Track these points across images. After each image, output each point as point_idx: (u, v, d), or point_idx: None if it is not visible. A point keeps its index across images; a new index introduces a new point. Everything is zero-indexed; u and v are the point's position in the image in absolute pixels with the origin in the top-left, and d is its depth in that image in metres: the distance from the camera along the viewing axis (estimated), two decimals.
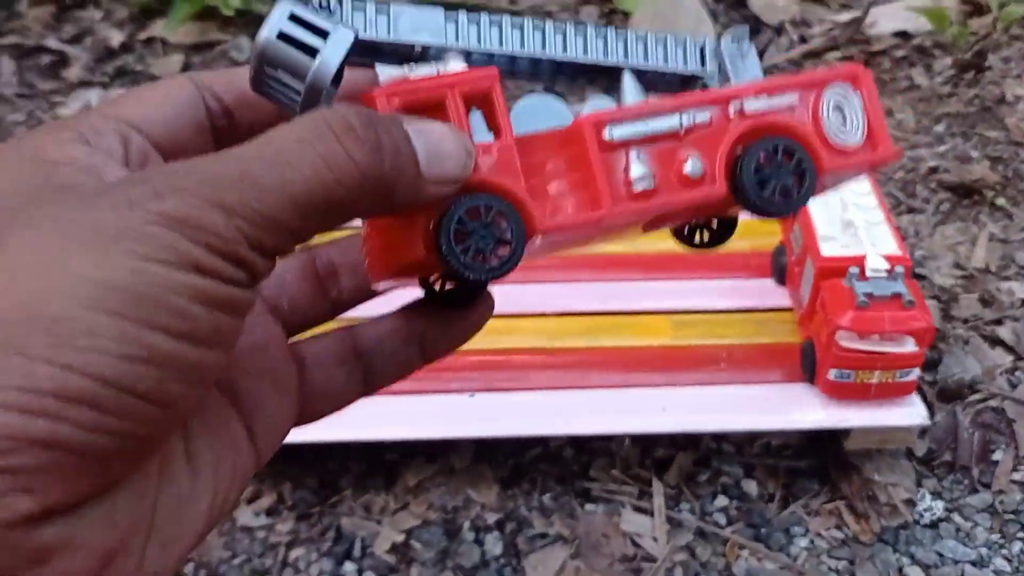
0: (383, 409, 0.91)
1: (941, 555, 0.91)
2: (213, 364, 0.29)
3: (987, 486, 0.96)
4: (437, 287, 0.40)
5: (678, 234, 0.43)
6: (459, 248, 0.33)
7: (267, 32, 0.33)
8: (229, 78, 0.37)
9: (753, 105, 0.37)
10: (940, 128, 1.34)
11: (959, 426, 0.99)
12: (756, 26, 1.52)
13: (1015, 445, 0.98)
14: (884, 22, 1.50)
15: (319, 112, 0.31)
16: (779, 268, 1.03)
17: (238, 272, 0.28)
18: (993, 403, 1.01)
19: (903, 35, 1.48)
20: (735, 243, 1.17)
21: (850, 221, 0.95)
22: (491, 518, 0.94)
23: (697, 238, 0.42)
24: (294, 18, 0.33)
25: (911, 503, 0.94)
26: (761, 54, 1.47)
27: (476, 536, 0.93)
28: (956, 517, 0.94)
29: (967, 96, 1.38)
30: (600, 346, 0.97)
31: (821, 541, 0.92)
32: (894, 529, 0.93)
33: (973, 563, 0.90)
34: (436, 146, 0.32)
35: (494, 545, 0.93)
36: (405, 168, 0.31)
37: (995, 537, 0.92)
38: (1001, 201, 1.22)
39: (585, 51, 0.38)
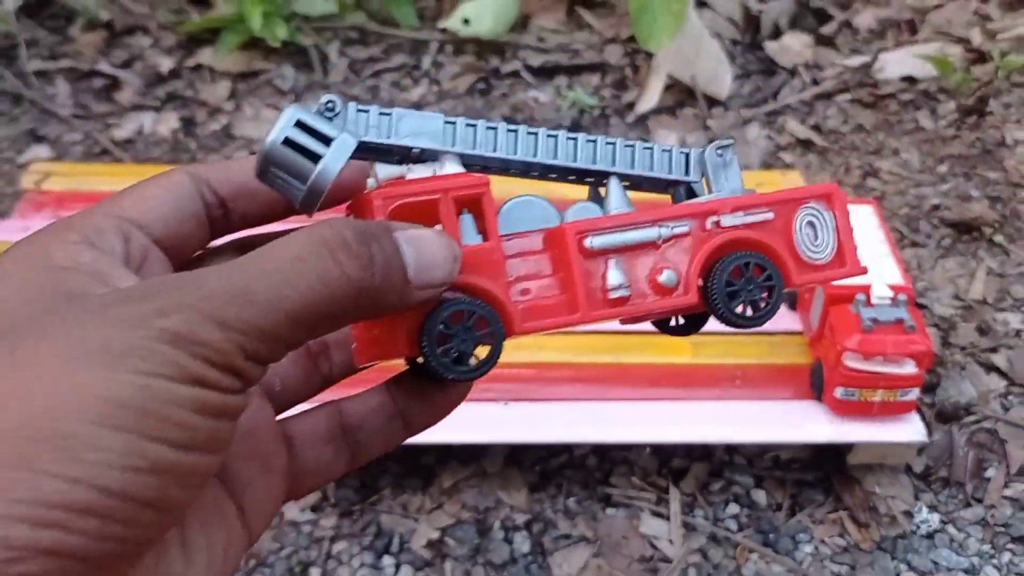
0: None
1: (936, 563, 0.98)
2: (210, 466, 0.30)
3: (980, 501, 1.03)
4: (420, 360, 0.40)
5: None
6: (440, 351, 0.34)
7: (273, 136, 0.35)
8: (224, 172, 0.39)
9: (730, 220, 0.38)
10: (943, 168, 1.42)
11: (955, 445, 1.06)
12: (771, 68, 1.61)
13: (1006, 464, 1.05)
14: (892, 67, 1.58)
15: (317, 228, 0.32)
16: (791, 294, 1.11)
17: (234, 382, 0.30)
18: (987, 424, 1.08)
19: (910, 80, 1.56)
20: None
21: None
22: (520, 519, 1.02)
23: (673, 321, 0.43)
24: (300, 124, 0.35)
25: (909, 515, 1.02)
26: (775, 95, 1.56)
27: (506, 535, 1.01)
28: (950, 529, 1.01)
29: (969, 139, 1.46)
30: (624, 362, 1.05)
31: (825, 547, 1.00)
32: (893, 538, 1.00)
33: (966, 571, 0.97)
34: (425, 255, 0.33)
35: (522, 543, 1.00)
36: (394, 279, 0.33)
37: (986, 548, 0.99)
38: (999, 238, 1.30)
39: (574, 157, 0.39)
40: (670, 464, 1.06)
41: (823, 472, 1.05)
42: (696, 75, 1.52)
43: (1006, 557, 0.98)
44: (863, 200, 1.15)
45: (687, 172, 0.40)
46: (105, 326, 0.29)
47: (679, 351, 1.06)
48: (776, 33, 1.67)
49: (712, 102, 1.53)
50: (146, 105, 1.56)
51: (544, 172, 0.39)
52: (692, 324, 0.42)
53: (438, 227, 0.35)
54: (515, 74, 1.61)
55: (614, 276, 0.37)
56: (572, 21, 1.72)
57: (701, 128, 1.49)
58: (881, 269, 1.01)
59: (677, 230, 0.38)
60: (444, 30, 1.66)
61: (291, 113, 0.35)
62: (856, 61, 1.61)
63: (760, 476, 1.06)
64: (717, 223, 0.38)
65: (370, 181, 0.37)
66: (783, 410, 1.02)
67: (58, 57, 1.66)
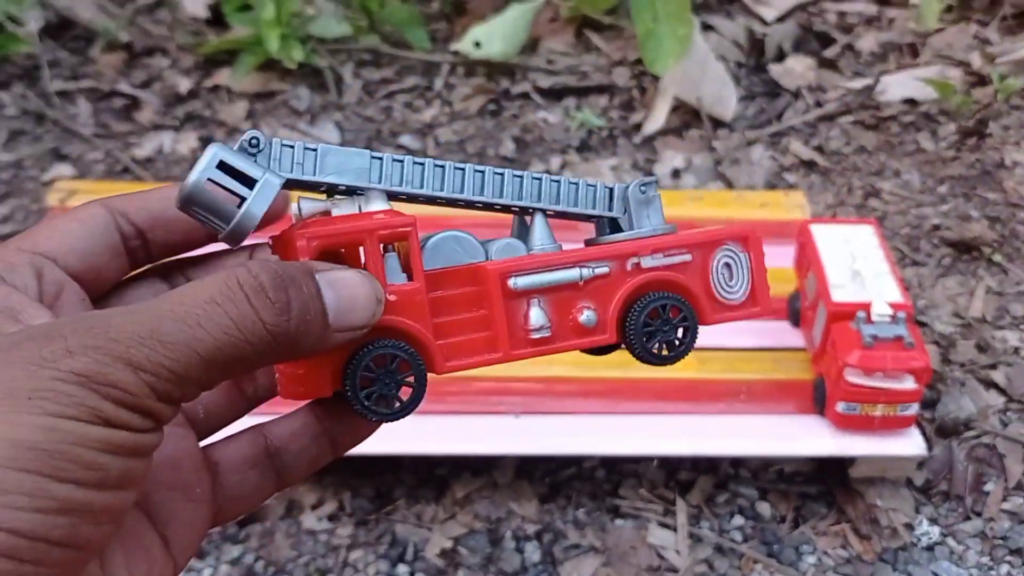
0: (437, 426, 1.02)
1: (936, 575, 1.01)
2: (124, 503, 0.30)
3: (979, 514, 1.06)
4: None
5: None
6: (364, 394, 0.35)
7: (195, 177, 0.34)
8: (142, 202, 0.39)
9: (649, 261, 0.39)
10: (943, 189, 1.45)
11: (955, 459, 1.09)
12: (775, 91, 1.64)
13: (1005, 478, 1.08)
14: (894, 90, 1.61)
15: (233, 272, 0.32)
16: (794, 312, 1.14)
17: (145, 421, 0.30)
18: (986, 440, 1.11)
19: (911, 102, 1.60)
20: None
21: (858, 271, 1.06)
22: (530, 529, 1.05)
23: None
24: (222, 165, 0.34)
25: (910, 527, 1.04)
26: (779, 116, 1.60)
27: (517, 544, 1.04)
28: (950, 541, 1.04)
29: (969, 160, 1.49)
30: (632, 377, 1.08)
31: (828, 559, 1.02)
32: (894, 550, 1.03)
33: None
34: (347, 298, 0.33)
35: (533, 553, 1.03)
36: (312, 323, 0.32)
37: (985, 560, 1.02)
38: (998, 257, 1.33)
39: (501, 193, 0.39)
40: (677, 477, 1.09)
41: (826, 485, 1.08)
42: (702, 97, 1.55)
43: (1004, 569, 1.01)
44: (864, 220, 1.18)
45: (610, 207, 0.41)
46: (11, 367, 0.29)
47: (684, 366, 1.08)
48: (780, 56, 1.71)
49: (717, 123, 1.57)
50: (165, 124, 1.60)
51: (470, 204, 0.40)
52: (606, 348, 0.42)
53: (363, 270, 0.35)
54: (525, 95, 1.65)
55: (536, 317, 0.38)
56: (581, 44, 1.76)
57: (707, 149, 1.53)
58: (881, 287, 1.04)
59: (598, 271, 0.39)
60: (456, 52, 1.70)
61: (214, 152, 0.34)
62: (858, 84, 1.64)
63: (764, 489, 1.08)
64: (637, 264, 0.39)
65: (293, 207, 0.37)
66: (786, 424, 1.05)
67: (79, 78, 1.70)
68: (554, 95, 1.65)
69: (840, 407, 1.00)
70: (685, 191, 1.44)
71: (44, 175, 1.50)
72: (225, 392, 0.41)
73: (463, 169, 0.38)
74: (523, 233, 0.41)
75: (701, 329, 0.40)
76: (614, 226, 0.42)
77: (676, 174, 1.49)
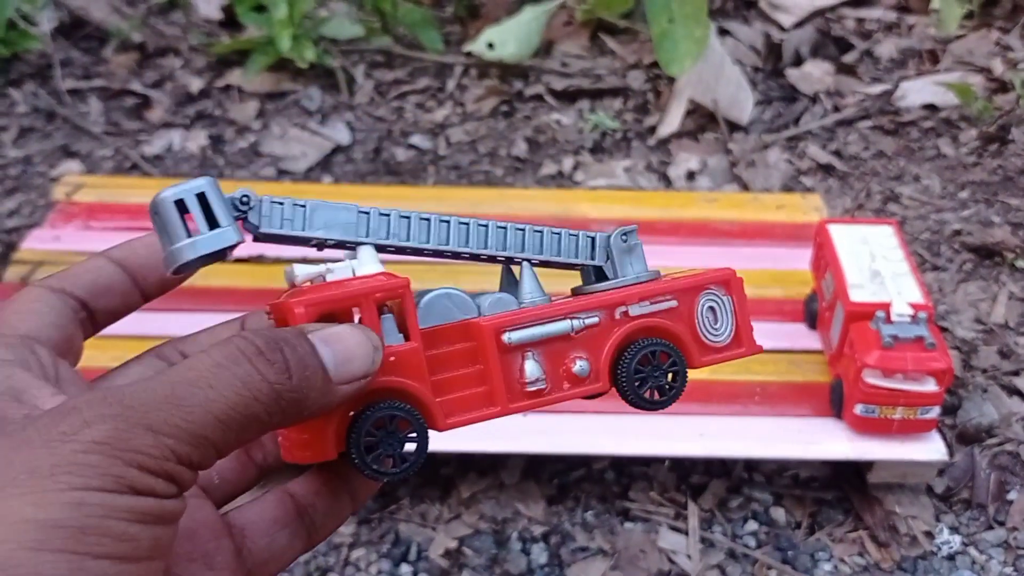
0: None
1: None
2: (154, 574, 0.30)
3: (1001, 523, 1.02)
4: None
5: None
6: (370, 458, 0.35)
7: (169, 192, 0.35)
8: (74, 277, 0.39)
9: (637, 309, 0.40)
10: (964, 194, 1.42)
11: (976, 466, 1.06)
12: (793, 95, 1.62)
13: None
14: (913, 95, 1.59)
15: (231, 340, 0.33)
16: (810, 314, 1.11)
17: (169, 487, 0.30)
18: (1009, 447, 1.08)
19: (931, 108, 1.57)
20: (770, 290, 1.25)
21: (878, 271, 1.03)
22: (537, 530, 1.02)
23: None
24: (201, 197, 0.35)
25: (930, 535, 1.01)
26: (796, 120, 1.57)
27: (523, 546, 1.01)
28: (972, 550, 1.00)
29: (990, 166, 1.46)
30: None
31: (844, 566, 0.99)
32: (913, 559, 0.99)
33: None
34: (343, 351, 0.34)
35: (540, 555, 1.00)
36: (313, 378, 0.33)
37: (1008, 570, 0.99)
38: (1020, 263, 1.30)
39: (485, 244, 0.40)
40: (689, 480, 1.06)
41: (842, 491, 1.05)
42: (717, 99, 1.53)
43: None
44: (884, 220, 1.16)
45: (592, 256, 0.42)
46: (29, 447, 0.28)
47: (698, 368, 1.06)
48: (798, 61, 1.68)
49: (733, 127, 1.55)
50: (176, 123, 1.59)
51: (456, 256, 0.40)
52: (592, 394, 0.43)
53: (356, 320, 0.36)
54: (538, 97, 1.63)
55: (532, 370, 0.38)
56: (595, 47, 1.74)
57: (722, 151, 1.51)
58: (901, 288, 1.01)
59: (588, 321, 0.39)
60: (469, 54, 1.68)
61: (202, 183, 0.35)
62: (877, 89, 1.62)
63: (779, 494, 1.05)
64: (625, 312, 0.40)
65: (288, 270, 0.38)
66: (802, 427, 1.02)
67: (91, 76, 1.70)
68: (568, 97, 1.63)
69: (858, 409, 0.97)
70: (700, 192, 1.41)
71: (52, 171, 1.49)
72: (236, 459, 0.41)
73: (448, 221, 0.39)
74: (510, 283, 0.41)
75: (690, 372, 0.40)
76: (599, 272, 0.43)
77: (691, 176, 1.46)
